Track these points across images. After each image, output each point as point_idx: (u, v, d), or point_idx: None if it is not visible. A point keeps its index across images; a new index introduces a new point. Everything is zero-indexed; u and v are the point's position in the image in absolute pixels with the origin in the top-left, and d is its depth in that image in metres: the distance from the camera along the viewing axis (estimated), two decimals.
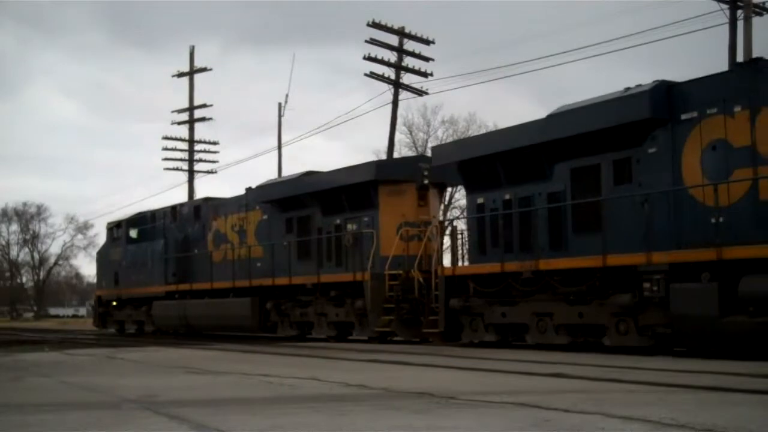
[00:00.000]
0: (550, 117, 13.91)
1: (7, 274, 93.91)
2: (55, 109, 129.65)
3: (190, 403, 6.60)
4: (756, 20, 22.03)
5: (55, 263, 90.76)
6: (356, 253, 17.89)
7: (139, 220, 27.37)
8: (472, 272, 15.13)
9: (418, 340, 16.71)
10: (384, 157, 34.80)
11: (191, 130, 41.22)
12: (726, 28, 21.91)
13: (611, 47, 68.29)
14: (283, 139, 50.57)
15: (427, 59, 30.17)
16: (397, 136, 39.01)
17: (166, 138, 41.36)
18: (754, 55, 19.71)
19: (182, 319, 24.04)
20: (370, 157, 42.73)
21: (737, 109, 11.27)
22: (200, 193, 39.46)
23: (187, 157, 41.55)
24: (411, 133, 50.35)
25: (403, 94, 30.86)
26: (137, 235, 26.93)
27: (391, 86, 30.29)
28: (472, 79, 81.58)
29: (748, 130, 11.14)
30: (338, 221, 18.80)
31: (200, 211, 24.37)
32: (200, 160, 41.91)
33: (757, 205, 10.99)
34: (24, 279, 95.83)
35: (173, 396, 7.18)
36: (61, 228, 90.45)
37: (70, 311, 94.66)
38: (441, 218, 17.82)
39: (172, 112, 41.38)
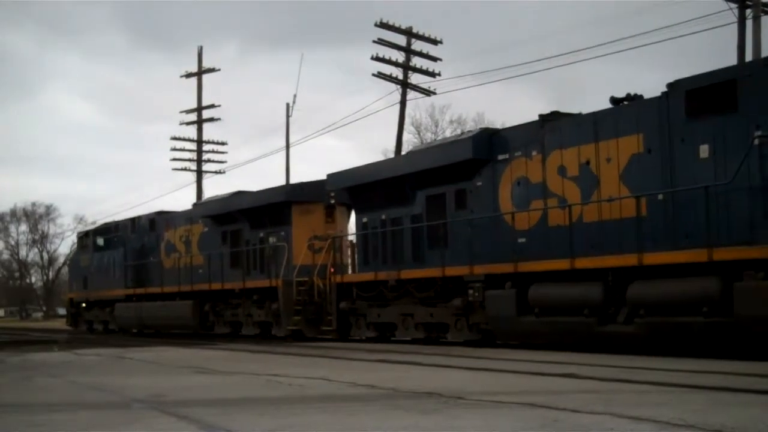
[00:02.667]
0: (410, 153, 16.97)
1: (17, 274, 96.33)
2: (71, 110, 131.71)
3: (198, 403, 6.66)
4: (765, 19, 22.09)
5: (64, 263, 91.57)
6: (273, 262, 20.97)
7: (105, 230, 30.47)
8: (355, 280, 18.21)
9: (329, 338, 19.70)
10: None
11: (199, 131, 41.95)
12: (735, 27, 21.73)
13: (621, 46, 68.32)
14: (294, 139, 50.98)
15: (434, 59, 30.43)
16: (405, 136, 39.31)
17: (174, 138, 42.05)
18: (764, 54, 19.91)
19: (139, 319, 27.16)
20: (379, 157, 43.13)
21: (534, 153, 14.31)
22: (208, 194, 40.24)
23: (195, 158, 42.23)
24: (419, 133, 51.33)
25: (411, 94, 31.13)
26: (103, 244, 30.02)
27: (398, 86, 30.58)
28: (480, 78, 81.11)
29: (541, 170, 14.18)
30: (262, 234, 21.87)
31: (155, 223, 27.41)
32: (208, 161, 42.53)
33: (547, 229, 14.03)
34: (33, 279, 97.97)
35: (182, 396, 7.26)
36: (70, 228, 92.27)
37: None
38: (346, 233, 20.79)
39: (181, 112, 42.15)
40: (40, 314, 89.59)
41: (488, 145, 15.14)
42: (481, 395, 6.65)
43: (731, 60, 21.38)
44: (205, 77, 41.96)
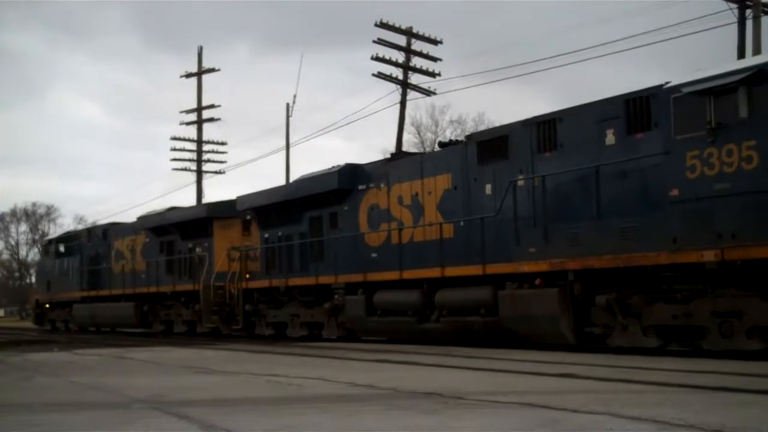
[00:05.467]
0: (297, 181, 20.44)
1: (17, 274, 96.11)
2: (76, 110, 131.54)
3: (198, 403, 6.68)
4: (765, 19, 22.28)
5: None
6: (198, 269, 24.42)
7: (65, 238, 34.00)
8: (255, 286, 21.66)
9: (238, 334, 23.01)
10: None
11: (199, 131, 42.23)
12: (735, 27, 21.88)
13: (621, 46, 68.17)
14: (294, 139, 49.57)
15: (435, 59, 30.82)
16: (405, 136, 39.20)
17: (174, 138, 42.23)
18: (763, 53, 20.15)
19: (92, 318, 30.66)
20: (379, 157, 42.53)
21: (382, 185, 17.74)
22: (208, 194, 40.80)
23: (195, 158, 42.42)
24: (419, 133, 52.51)
25: (411, 94, 31.44)
26: (63, 251, 33.46)
27: (399, 86, 30.87)
28: (480, 78, 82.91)
29: (387, 199, 17.62)
30: (190, 245, 25.30)
31: (107, 233, 30.87)
32: (208, 161, 42.75)
33: (390, 246, 17.46)
34: (33, 279, 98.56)
35: (182, 396, 7.28)
36: (70, 228, 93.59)
37: None
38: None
39: (181, 112, 42.32)
40: None
41: (351, 177, 18.57)
42: (481, 395, 6.71)
43: (733, 59, 20.94)
44: (211, 78, 43.09)
